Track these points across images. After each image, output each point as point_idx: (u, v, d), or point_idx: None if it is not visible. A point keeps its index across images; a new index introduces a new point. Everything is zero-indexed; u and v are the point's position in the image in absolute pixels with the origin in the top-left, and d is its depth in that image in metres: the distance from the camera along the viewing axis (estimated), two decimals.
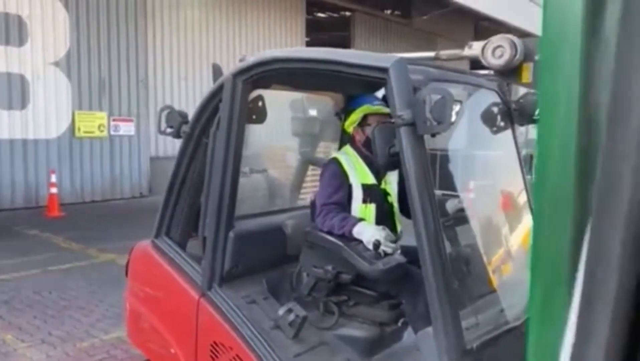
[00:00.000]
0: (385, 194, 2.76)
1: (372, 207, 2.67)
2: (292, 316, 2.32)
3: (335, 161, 2.71)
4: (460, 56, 1.80)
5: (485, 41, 1.63)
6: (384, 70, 1.94)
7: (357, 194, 2.66)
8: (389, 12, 19.56)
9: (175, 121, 2.68)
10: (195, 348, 2.51)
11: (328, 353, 2.36)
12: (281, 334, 2.33)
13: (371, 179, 2.71)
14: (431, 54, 1.96)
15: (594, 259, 0.55)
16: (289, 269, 2.75)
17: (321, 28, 19.61)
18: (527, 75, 1.59)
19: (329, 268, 2.47)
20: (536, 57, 1.55)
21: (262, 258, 2.71)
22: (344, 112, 3.00)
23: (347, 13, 18.20)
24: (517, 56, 1.57)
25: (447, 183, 2.43)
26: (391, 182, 2.79)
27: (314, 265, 2.54)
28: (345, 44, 18.09)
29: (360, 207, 2.65)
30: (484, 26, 21.08)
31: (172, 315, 2.70)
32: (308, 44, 17.29)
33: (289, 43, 15.42)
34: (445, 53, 1.91)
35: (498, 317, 2.09)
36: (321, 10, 18.25)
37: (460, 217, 2.64)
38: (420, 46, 19.20)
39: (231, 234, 2.49)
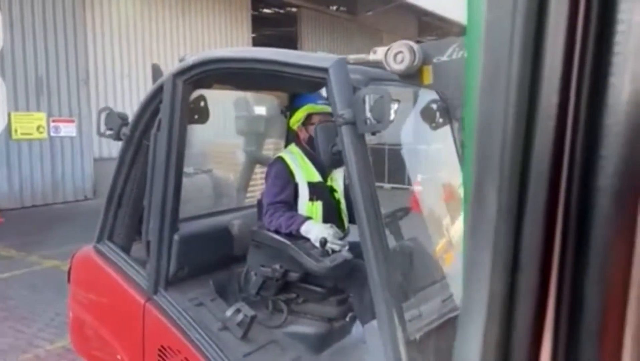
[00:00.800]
0: (332, 191, 2.79)
1: (318, 204, 2.70)
2: (240, 317, 2.32)
3: (281, 160, 2.72)
4: (366, 60, 1.85)
5: (387, 47, 1.70)
6: (324, 70, 1.97)
7: (304, 192, 2.68)
8: (334, 8, 19.67)
9: (114, 122, 2.62)
10: (143, 353, 2.47)
11: (278, 351, 2.37)
12: (230, 335, 2.33)
13: (317, 177, 2.73)
14: (343, 57, 2.02)
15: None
16: (237, 269, 2.74)
17: (268, 24, 19.52)
18: (428, 77, 1.67)
19: (277, 266, 2.48)
20: (434, 60, 1.63)
21: (209, 260, 2.69)
22: (289, 110, 3.02)
23: (293, 9, 18.18)
24: (416, 61, 1.64)
25: (396, 176, 2.52)
26: (337, 179, 2.82)
27: (262, 264, 2.55)
28: (292, 40, 18.06)
29: (307, 205, 2.68)
30: (427, 22, 21.53)
31: (118, 321, 2.64)
32: (254, 40, 17.17)
33: (235, 39, 15.27)
34: (353, 57, 1.97)
35: (440, 307, 2.16)
36: (267, 6, 18.15)
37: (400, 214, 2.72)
38: (365, 42, 19.41)
39: (176, 236, 2.45)
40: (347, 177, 2.01)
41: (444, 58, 1.64)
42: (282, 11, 18.93)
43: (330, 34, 19.18)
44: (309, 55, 2.20)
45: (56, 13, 10.74)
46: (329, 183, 2.79)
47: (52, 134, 10.78)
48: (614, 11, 0.49)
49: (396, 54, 1.68)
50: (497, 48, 0.54)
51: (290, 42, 17.67)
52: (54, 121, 10.79)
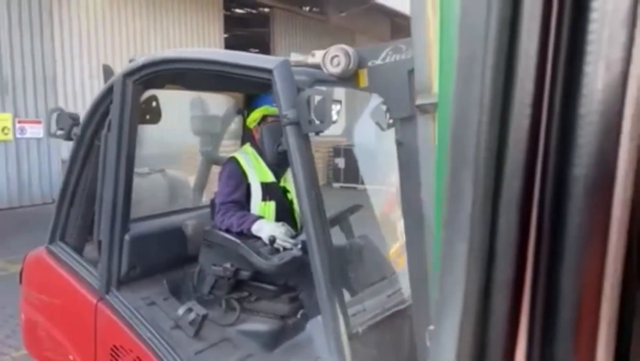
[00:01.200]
0: (285, 191, 2.83)
1: (271, 204, 2.73)
2: (192, 315, 2.34)
3: (234, 160, 2.75)
4: (305, 63, 1.91)
5: (325, 51, 1.75)
6: (269, 71, 2.01)
7: (257, 192, 2.71)
8: (307, 9, 19.69)
9: (65, 123, 2.62)
10: (95, 353, 2.48)
11: (230, 349, 2.40)
12: (182, 333, 2.34)
13: (270, 177, 2.77)
14: (287, 59, 2.07)
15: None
16: (191, 269, 2.76)
17: (240, 24, 19.43)
18: (363, 80, 1.72)
19: (228, 265, 2.50)
20: (369, 64, 1.68)
21: (162, 259, 2.70)
22: (247, 109, 3.06)
23: (266, 9, 18.15)
24: (351, 64, 1.69)
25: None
26: (290, 179, 2.86)
27: (214, 263, 2.57)
28: (264, 40, 18.03)
29: (259, 205, 2.71)
30: (399, 23, 21.69)
31: (70, 321, 2.64)
32: (226, 41, 17.10)
33: (206, 39, 15.19)
34: (294, 60, 2.03)
35: (386, 302, 2.21)
36: (239, 6, 18.09)
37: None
38: (338, 43, 19.43)
39: (127, 236, 2.46)
40: (292, 176, 2.05)
41: (378, 62, 1.69)
42: (254, 11, 18.87)
43: (303, 34, 19.20)
44: (255, 57, 2.24)
45: (22, 12, 10.51)
46: (282, 184, 2.82)
47: (18, 135, 10.55)
48: None
49: (332, 57, 1.73)
50: (471, 39, 0.54)
51: (263, 43, 17.64)
52: (19, 122, 10.56)
